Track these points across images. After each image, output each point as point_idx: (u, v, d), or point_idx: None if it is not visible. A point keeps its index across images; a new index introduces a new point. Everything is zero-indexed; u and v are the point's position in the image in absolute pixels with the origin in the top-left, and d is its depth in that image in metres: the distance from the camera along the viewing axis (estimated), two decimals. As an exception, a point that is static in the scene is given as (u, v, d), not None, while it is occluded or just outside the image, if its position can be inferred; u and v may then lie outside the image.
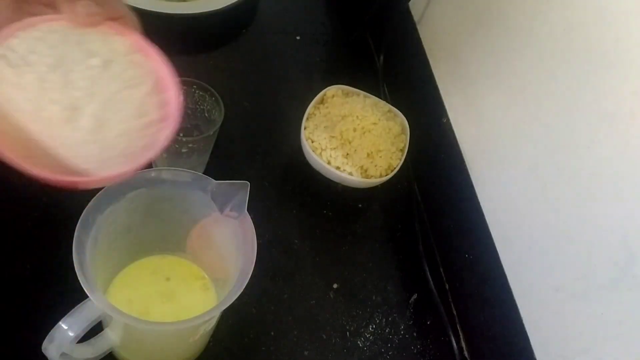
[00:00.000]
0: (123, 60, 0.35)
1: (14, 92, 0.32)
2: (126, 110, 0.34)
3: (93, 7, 0.33)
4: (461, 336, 0.62)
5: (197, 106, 0.60)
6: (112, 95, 0.33)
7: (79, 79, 0.33)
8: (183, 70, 0.41)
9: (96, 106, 0.33)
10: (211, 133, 0.58)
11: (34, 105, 0.32)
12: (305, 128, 0.67)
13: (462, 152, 0.64)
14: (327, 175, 0.65)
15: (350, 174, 0.64)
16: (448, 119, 0.67)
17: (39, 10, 0.34)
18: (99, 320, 0.40)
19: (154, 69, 0.36)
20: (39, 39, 0.33)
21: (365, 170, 0.65)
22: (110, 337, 0.46)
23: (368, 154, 0.66)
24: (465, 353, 0.61)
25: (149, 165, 0.43)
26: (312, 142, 0.66)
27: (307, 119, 0.67)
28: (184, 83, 0.58)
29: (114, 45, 0.35)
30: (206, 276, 0.53)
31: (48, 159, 0.32)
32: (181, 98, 0.36)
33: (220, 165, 0.64)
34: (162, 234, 0.51)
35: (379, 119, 0.68)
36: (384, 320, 0.61)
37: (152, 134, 0.34)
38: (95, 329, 0.42)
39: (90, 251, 0.41)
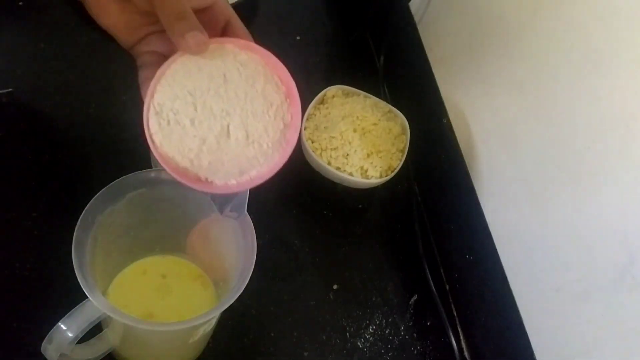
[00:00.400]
0: (235, 67, 0.38)
1: (181, 139, 0.37)
2: (259, 108, 0.38)
3: (199, 36, 0.36)
4: (461, 337, 0.62)
5: None
6: (243, 102, 0.38)
7: (214, 104, 0.37)
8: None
9: (238, 119, 0.38)
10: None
11: (199, 141, 0.37)
12: (305, 128, 0.67)
13: (462, 152, 0.64)
14: (327, 176, 0.65)
15: (351, 174, 0.64)
16: (448, 119, 0.66)
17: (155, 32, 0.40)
18: (99, 320, 0.40)
19: (258, 58, 0.39)
20: (171, 84, 0.37)
21: (366, 171, 0.65)
22: (110, 338, 0.46)
23: (368, 155, 0.66)
24: (466, 354, 0.61)
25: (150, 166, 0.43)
26: (312, 142, 0.66)
27: (307, 119, 0.67)
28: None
29: (223, 57, 0.38)
30: (206, 276, 0.53)
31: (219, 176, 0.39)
32: (288, 73, 0.40)
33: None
34: (162, 234, 0.51)
35: (379, 119, 0.68)
36: (384, 321, 0.61)
37: (283, 116, 0.39)
38: (95, 330, 0.42)
39: (90, 251, 0.41)
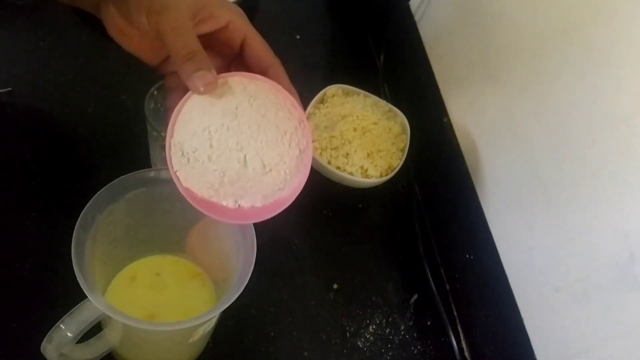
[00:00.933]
0: (246, 99, 0.39)
1: (202, 173, 0.39)
2: (272, 137, 0.39)
3: (207, 76, 0.37)
4: (462, 337, 0.62)
5: None
6: (257, 133, 0.39)
7: (229, 138, 0.38)
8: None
9: (253, 150, 0.39)
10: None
11: (219, 174, 0.39)
12: (305, 128, 0.66)
13: (463, 152, 0.64)
14: (327, 175, 0.65)
15: (351, 174, 0.64)
16: (449, 119, 0.66)
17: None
18: (98, 320, 0.40)
19: (266, 87, 0.39)
20: (187, 121, 0.39)
21: (366, 170, 0.65)
22: (109, 338, 0.46)
23: (368, 154, 0.65)
24: (466, 354, 0.61)
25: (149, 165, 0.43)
26: (312, 142, 0.66)
27: (307, 118, 0.67)
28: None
29: (233, 90, 0.39)
30: (207, 276, 0.53)
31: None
32: (297, 98, 0.41)
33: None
34: (162, 233, 0.51)
35: (379, 119, 0.68)
36: (384, 320, 0.60)
37: (299, 141, 0.40)
38: (94, 330, 0.42)
39: (90, 251, 0.41)
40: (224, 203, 0.41)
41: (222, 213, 0.40)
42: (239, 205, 0.41)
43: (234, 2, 0.74)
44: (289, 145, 0.39)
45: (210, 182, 0.40)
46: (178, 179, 0.39)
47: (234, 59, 0.43)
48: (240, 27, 0.41)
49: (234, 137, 0.39)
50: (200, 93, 0.38)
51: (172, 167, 0.40)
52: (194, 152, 0.39)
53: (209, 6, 0.39)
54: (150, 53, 0.42)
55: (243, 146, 0.39)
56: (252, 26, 0.42)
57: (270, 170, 0.40)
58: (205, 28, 0.40)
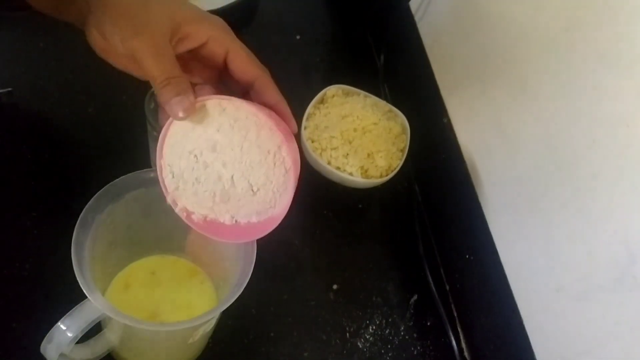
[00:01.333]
0: (227, 121, 0.38)
1: (195, 194, 0.40)
2: (256, 157, 0.38)
3: (184, 102, 0.37)
4: (461, 337, 0.62)
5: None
6: (240, 154, 0.38)
7: (214, 160, 0.39)
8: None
9: (239, 172, 0.39)
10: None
11: (209, 194, 0.40)
12: (305, 128, 0.66)
13: (463, 152, 0.64)
14: (327, 176, 0.65)
15: (351, 174, 0.64)
16: (449, 119, 0.66)
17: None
18: (98, 320, 0.40)
19: (246, 108, 0.38)
20: (174, 144, 0.39)
21: (366, 171, 0.65)
22: (109, 338, 0.46)
23: (368, 154, 0.65)
24: (466, 354, 0.61)
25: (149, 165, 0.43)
26: (312, 142, 0.66)
27: (307, 119, 0.67)
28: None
29: (211, 115, 0.38)
30: (205, 275, 0.53)
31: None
32: (287, 108, 0.40)
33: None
34: (162, 233, 0.51)
35: (380, 119, 0.68)
36: (384, 321, 0.60)
37: (284, 159, 0.39)
38: (94, 330, 0.42)
39: (89, 251, 0.41)
40: (222, 220, 0.41)
41: (221, 232, 0.41)
42: (235, 221, 0.41)
43: (235, 2, 0.74)
44: (274, 164, 0.39)
45: (203, 201, 0.40)
46: (174, 201, 0.41)
47: (223, 70, 0.42)
48: (222, 42, 0.40)
49: (219, 160, 0.39)
50: (179, 119, 0.37)
51: (166, 189, 0.41)
52: (183, 174, 0.40)
53: (187, 24, 0.38)
54: (138, 71, 0.40)
55: (229, 168, 0.39)
56: (235, 39, 0.41)
57: (258, 189, 0.39)
58: (184, 47, 0.39)
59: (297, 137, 0.66)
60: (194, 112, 0.37)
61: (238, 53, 0.40)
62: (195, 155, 0.39)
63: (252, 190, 0.39)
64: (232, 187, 0.39)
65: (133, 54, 0.37)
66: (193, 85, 0.38)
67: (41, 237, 0.55)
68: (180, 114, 0.37)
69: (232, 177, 0.39)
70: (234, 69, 0.41)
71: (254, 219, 0.41)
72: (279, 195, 0.40)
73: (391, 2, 0.78)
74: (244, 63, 0.40)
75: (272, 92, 0.40)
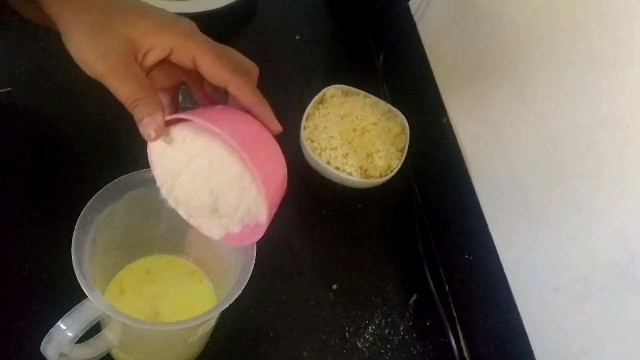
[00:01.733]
0: (192, 146, 0.38)
1: (187, 202, 0.41)
2: (223, 180, 0.38)
3: (153, 123, 0.36)
4: (461, 337, 0.62)
5: (197, 106, 0.60)
6: (208, 177, 0.38)
7: (192, 180, 0.39)
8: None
9: (216, 189, 0.38)
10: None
11: (198, 206, 0.40)
12: (304, 128, 0.66)
13: (462, 152, 0.64)
14: (327, 176, 0.65)
15: (350, 174, 0.64)
16: (448, 119, 0.66)
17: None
18: (98, 320, 0.40)
19: (210, 126, 0.37)
20: (156, 162, 0.40)
21: (365, 171, 0.65)
22: (109, 338, 0.46)
23: (368, 154, 0.65)
24: (465, 354, 0.61)
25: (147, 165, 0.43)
26: (312, 142, 0.66)
27: (307, 119, 0.67)
28: (182, 82, 0.58)
29: (183, 136, 0.38)
30: (203, 273, 0.53)
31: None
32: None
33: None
34: (161, 234, 0.51)
35: (379, 119, 0.68)
36: (384, 321, 0.60)
37: (254, 178, 0.38)
38: (94, 330, 0.42)
39: (89, 251, 0.41)
40: (214, 231, 0.42)
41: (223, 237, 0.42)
42: (227, 231, 0.42)
43: (234, 2, 0.74)
44: (249, 184, 0.38)
45: (197, 210, 0.41)
46: (177, 205, 0.41)
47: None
48: (185, 50, 0.38)
49: (197, 179, 0.38)
50: (151, 140, 0.37)
51: (169, 198, 0.41)
52: (172, 190, 0.40)
53: (147, 37, 0.37)
54: None
55: (206, 186, 0.39)
56: (200, 43, 0.38)
57: (238, 205, 0.39)
58: (153, 59, 0.38)
59: (297, 137, 0.66)
60: (162, 133, 0.37)
61: (204, 58, 0.38)
62: (174, 174, 0.39)
63: (233, 206, 0.39)
64: (215, 201, 0.39)
65: (99, 78, 0.37)
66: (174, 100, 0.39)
67: (41, 237, 0.55)
68: (152, 134, 0.37)
69: (212, 191, 0.39)
70: (204, 75, 0.39)
71: (243, 226, 0.41)
72: (257, 210, 0.39)
73: (391, 2, 0.78)
74: (211, 68, 0.39)
75: (246, 96, 0.39)
